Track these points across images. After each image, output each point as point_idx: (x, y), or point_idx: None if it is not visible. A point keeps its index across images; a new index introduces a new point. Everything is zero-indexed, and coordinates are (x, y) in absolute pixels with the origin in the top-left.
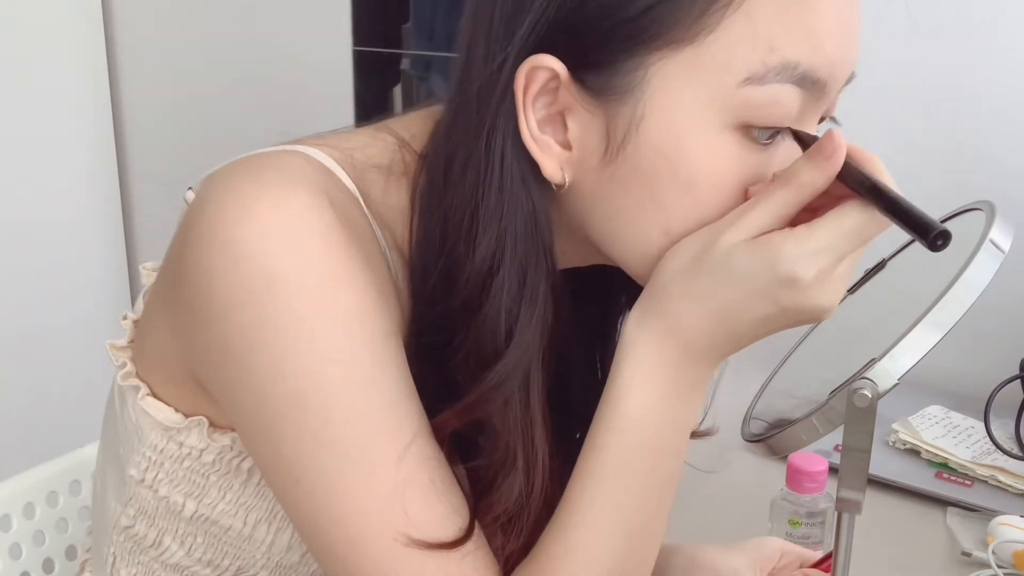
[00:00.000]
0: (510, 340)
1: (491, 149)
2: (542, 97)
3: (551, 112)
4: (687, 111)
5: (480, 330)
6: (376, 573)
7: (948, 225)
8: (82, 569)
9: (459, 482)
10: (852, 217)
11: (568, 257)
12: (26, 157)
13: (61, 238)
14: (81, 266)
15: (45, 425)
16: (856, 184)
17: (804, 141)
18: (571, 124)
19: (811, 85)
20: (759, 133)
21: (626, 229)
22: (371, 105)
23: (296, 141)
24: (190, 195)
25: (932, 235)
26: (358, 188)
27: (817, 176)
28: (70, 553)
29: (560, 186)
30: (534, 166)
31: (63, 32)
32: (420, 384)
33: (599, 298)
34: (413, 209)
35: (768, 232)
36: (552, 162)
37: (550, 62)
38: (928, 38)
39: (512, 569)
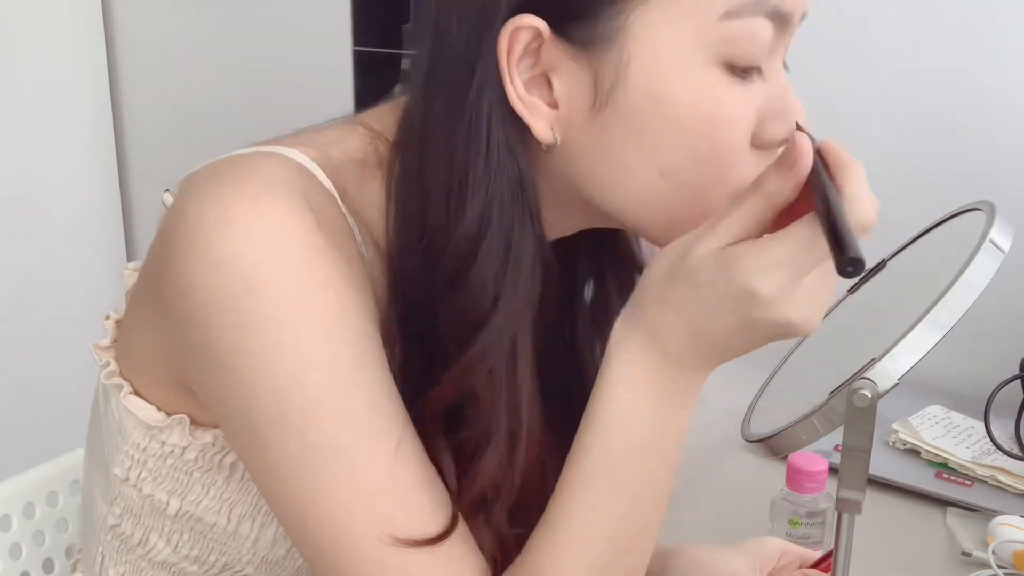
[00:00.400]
0: (496, 306)
1: (476, 118)
2: (525, 59)
3: (534, 73)
4: (671, 51)
5: (466, 297)
6: (361, 571)
7: (947, 224)
8: (73, 569)
9: (445, 458)
10: (804, 232)
11: (552, 228)
12: (26, 158)
13: (61, 238)
14: (81, 266)
15: (45, 425)
16: (814, 197)
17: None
18: (556, 82)
19: (780, 19)
20: (738, 69)
21: (621, 178)
22: (371, 105)
23: (273, 141)
24: (168, 197)
25: (844, 258)
26: (335, 185)
27: (783, 184)
28: (70, 553)
29: (551, 146)
30: (520, 131)
31: (63, 32)
32: (407, 369)
33: (565, 274)
34: (389, 195)
35: (740, 241)
36: (542, 123)
37: (532, 21)
38: (929, 37)
39: (507, 562)
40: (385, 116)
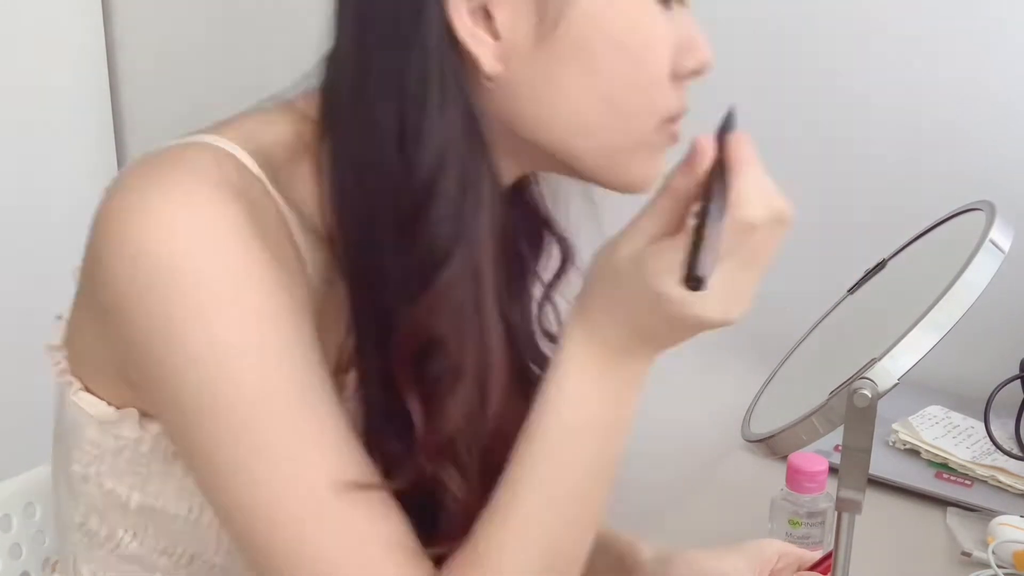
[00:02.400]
0: (457, 240)
1: (424, 57)
2: None
3: (474, 5)
4: None
5: (426, 238)
6: (295, 528)
7: (947, 224)
8: (53, 570)
9: (412, 403)
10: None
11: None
12: (26, 158)
13: (61, 238)
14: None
15: (44, 425)
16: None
17: (729, 126)
18: (497, 13)
19: None
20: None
21: (565, 106)
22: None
23: (203, 129)
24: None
25: (687, 272)
26: (263, 169)
27: (686, 182)
28: None
29: (495, 77)
30: (467, 64)
31: (63, 32)
32: (360, 329)
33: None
34: (325, 163)
35: (658, 238)
36: (488, 54)
37: None
38: (930, 37)
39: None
40: (312, 97)
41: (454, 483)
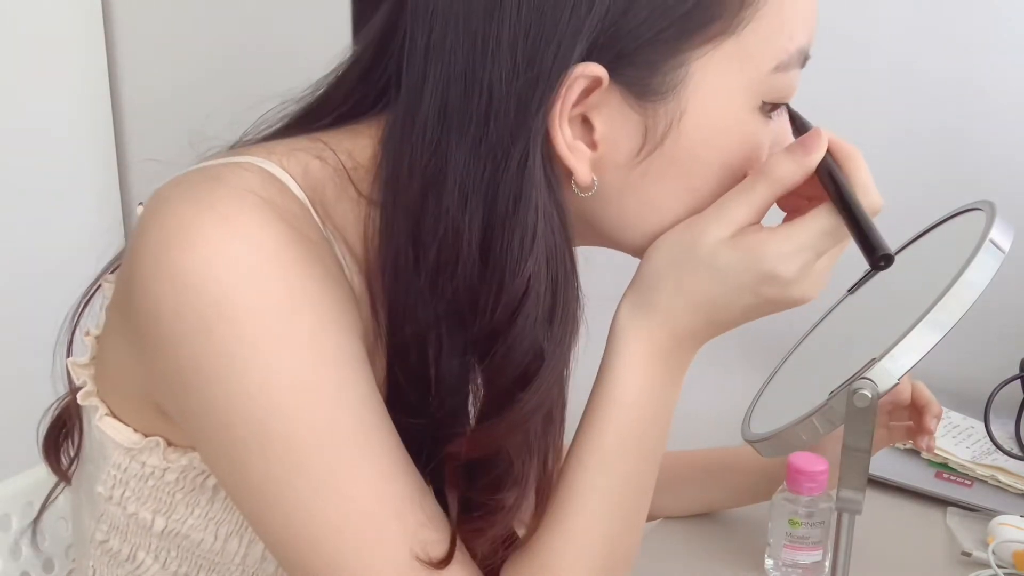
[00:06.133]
0: (543, 362)
1: (521, 171)
2: (577, 105)
3: (574, 115)
4: (727, 101)
5: (509, 350)
6: None
7: (947, 224)
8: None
9: (452, 502)
10: (828, 219)
11: None
12: (25, 158)
13: (61, 239)
14: (81, 267)
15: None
16: (827, 187)
17: (796, 123)
18: (598, 123)
19: (805, 62)
20: (769, 107)
21: (649, 215)
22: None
23: (243, 151)
24: (140, 210)
25: (877, 255)
26: (308, 198)
27: (794, 171)
28: (70, 553)
29: (588, 188)
30: (560, 174)
31: (63, 32)
32: (392, 389)
33: None
34: (379, 229)
35: (747, 226)
36: (584, 166)
37: (595, 70)
38: (930, 36)
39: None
40: (346, 139)
41: (479, 548)
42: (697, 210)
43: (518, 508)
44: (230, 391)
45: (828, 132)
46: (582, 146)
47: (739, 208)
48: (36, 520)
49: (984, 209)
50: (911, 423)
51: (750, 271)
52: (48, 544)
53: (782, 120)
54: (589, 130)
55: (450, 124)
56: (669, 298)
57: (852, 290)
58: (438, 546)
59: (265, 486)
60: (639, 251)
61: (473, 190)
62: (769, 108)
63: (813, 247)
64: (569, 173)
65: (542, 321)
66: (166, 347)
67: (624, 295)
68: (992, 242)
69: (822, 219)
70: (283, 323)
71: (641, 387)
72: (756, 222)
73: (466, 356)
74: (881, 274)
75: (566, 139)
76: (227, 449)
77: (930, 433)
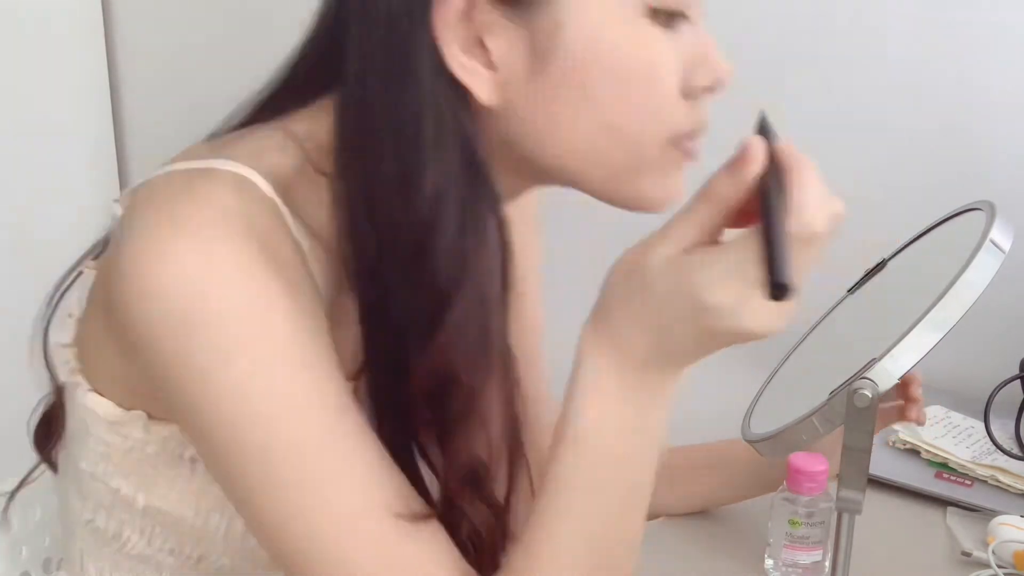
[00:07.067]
0: (464, 275)
1: (419, 92)
2: (459, 24)
3: (467, 36)
4: (602, 6)
5: (430, 274)
6: (348, 548)
7: (947, 224)
8: (58, 568)
9: (429, 441)
10: (755, 241)
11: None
12: (25, 158)
13: (60, 239)
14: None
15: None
16: (762, 203)
17: (764, 131)
18: (491, 44)
19: None
20: (663, 16)
21: (563, 133)
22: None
23: (208, 151)
24: (116, 208)
25: (774, 281)
26: (278, 194)
27: (731, 188)
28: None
29: (492, 108)
30: (461, 96)
31: (63, 32)
32: (373, 366)
33: None
34: (336, 197)
35: (694, 246)
36: (483, 85)
37: None
38: (931, 36)
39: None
40: (306, 121)
41: (479, 513)
42: (616, 127)
43: (484, 433)
44: (205, 396)
45: (787, 142)
46: (478, 66)
47: (680, 226)
48: (13, 493)
49: (984, 209)
50: (900, 402)
51: (683, 297)
52: (48, 544)
53: (697, 36)
54: (486, 51)
55: (365, 68)
56: (619, 320)
57: (852, 290)
58: (424, 544)
59: (248, 484)
60: (559, 174)
61: (387, 121)
62: (665, 18)
63: (738, 274)
64: (471, 94)
65: (457, 237)
66: (142, 351)
67: (590, 315)
68: (992, 242)
69: (745, 243)
70: (247, 328)
71: (603, 411)
72: (706, 242)
73: (418, 291)
74: (881, 274)
75: (456, 58)
76: (211, 445)
77: (917, 401)
